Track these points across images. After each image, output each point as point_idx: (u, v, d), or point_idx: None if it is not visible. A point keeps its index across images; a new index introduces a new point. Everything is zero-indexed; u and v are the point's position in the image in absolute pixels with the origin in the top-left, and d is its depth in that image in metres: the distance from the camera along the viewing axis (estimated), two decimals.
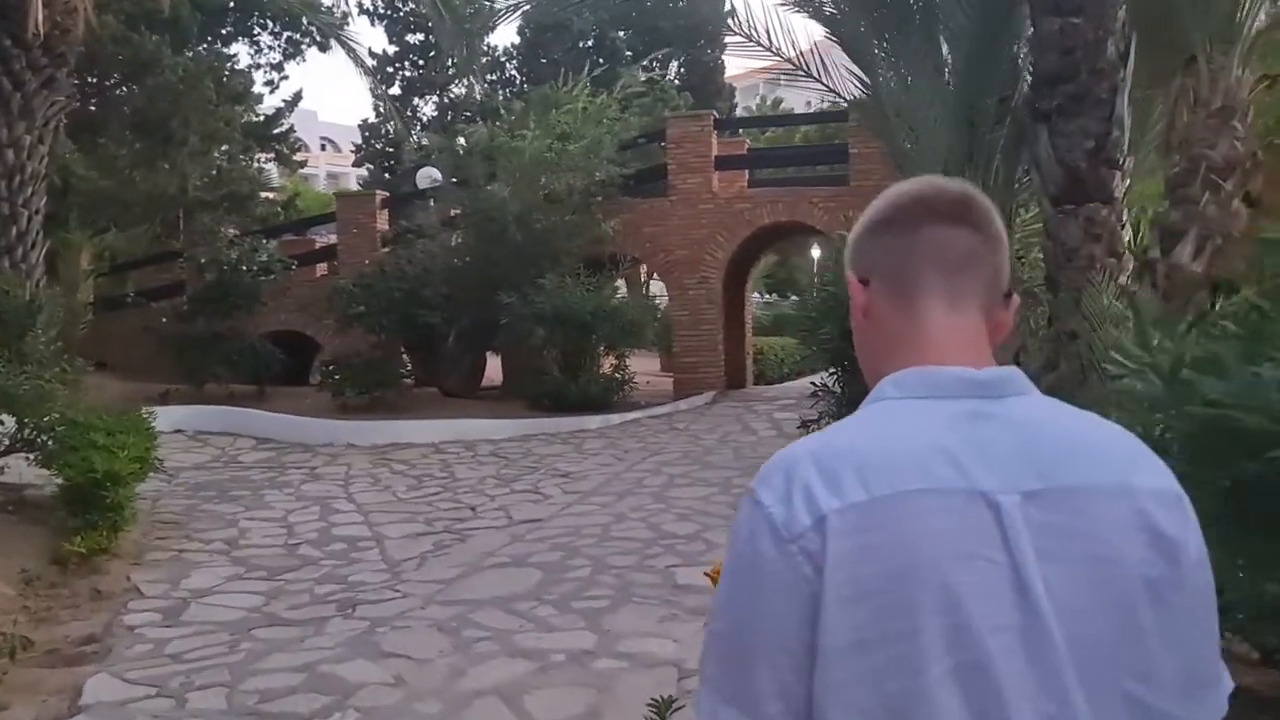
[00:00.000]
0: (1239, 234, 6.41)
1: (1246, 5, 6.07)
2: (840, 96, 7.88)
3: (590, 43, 33.77)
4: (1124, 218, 5.91)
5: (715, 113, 15.44)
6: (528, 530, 7.51)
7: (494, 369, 15.75)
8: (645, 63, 28.90)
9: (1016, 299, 1.06)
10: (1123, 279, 5.88)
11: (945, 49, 6.65)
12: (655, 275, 15.45)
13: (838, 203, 14.23)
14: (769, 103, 39.52)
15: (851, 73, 6.99)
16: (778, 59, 7.41)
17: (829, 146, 16.10)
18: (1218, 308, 5.75)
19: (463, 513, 8.26)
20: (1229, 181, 6.19)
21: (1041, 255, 6.23)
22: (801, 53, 7.73)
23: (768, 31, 7.29)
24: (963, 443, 0.91)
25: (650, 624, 5.23)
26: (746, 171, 16.21)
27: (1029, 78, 6.52)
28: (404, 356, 15.05)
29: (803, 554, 0.88)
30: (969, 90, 6.10)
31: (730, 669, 0.92)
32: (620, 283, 15.03)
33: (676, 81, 33.96)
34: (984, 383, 0.97)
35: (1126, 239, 6.00)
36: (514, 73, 34.06)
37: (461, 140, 13.64)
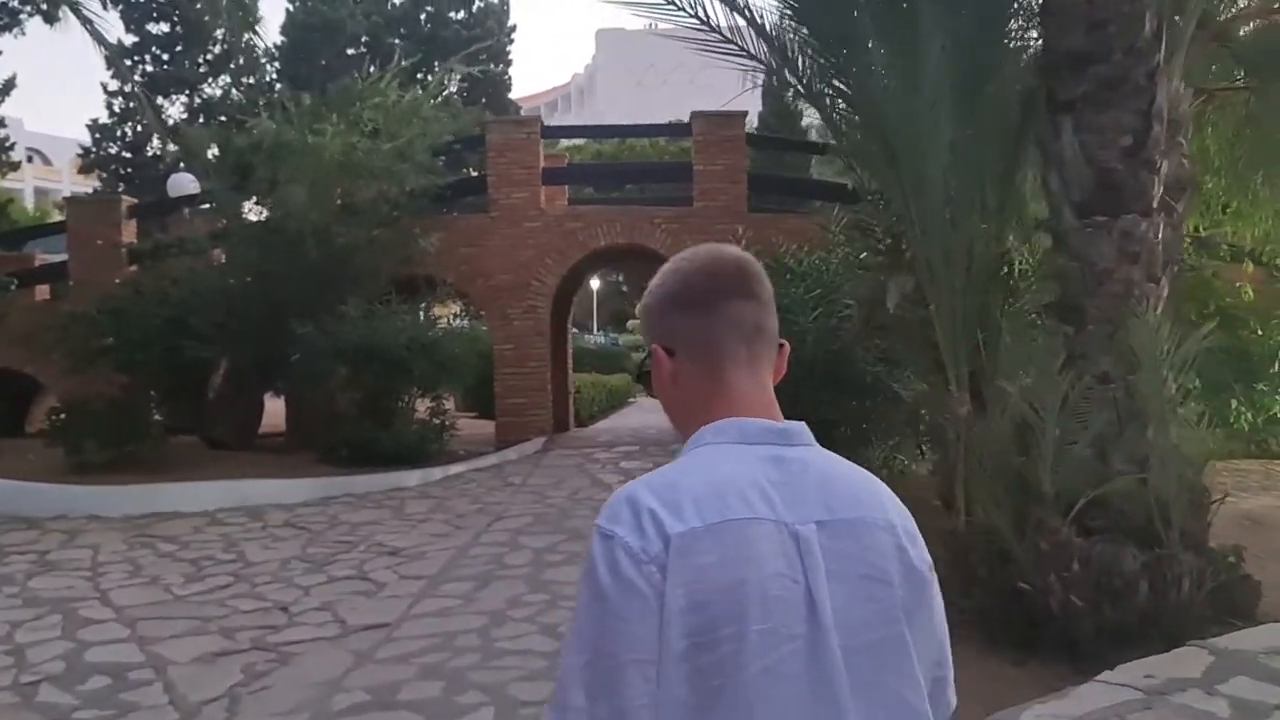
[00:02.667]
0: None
1: (1184, 11, 5.36)
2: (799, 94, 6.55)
3: (364, 48, 31.46)
4: (1159, 234, 4.97)
5: (542, 119, 13.96)
6: (374, 643, 5.69)
7: (273, 414, 13.44)
8: (420, 75, 26.98)
9: (786, 346, 1.30)
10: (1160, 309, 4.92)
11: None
12: (472, 302, 13.71)
13: (682, 225, 13.14)
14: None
15: (821, 71, 5.71)
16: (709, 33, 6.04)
17: (672, 164, 15.01)
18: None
19: (273, 616, 6.29)
20: (1179, 202, 5.42)
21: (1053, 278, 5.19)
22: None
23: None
24: (770, 480, 1.15)
25: None
26: (566, 187, 14.85)
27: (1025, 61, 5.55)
28: (153, 401, 12.53)
29: (660, 572, 1.07)
30: (973, 76, 4.99)
31: (598, 694, 1.06)
32: (437, 311, 13.15)
33: (458, 99, 32.25)
34: (783, 431, 1.21)
35: None
36: (273, 76, 31.18)
37: (243, 137, 11.44)
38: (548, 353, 13.43)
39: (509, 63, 34.39)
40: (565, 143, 22.17)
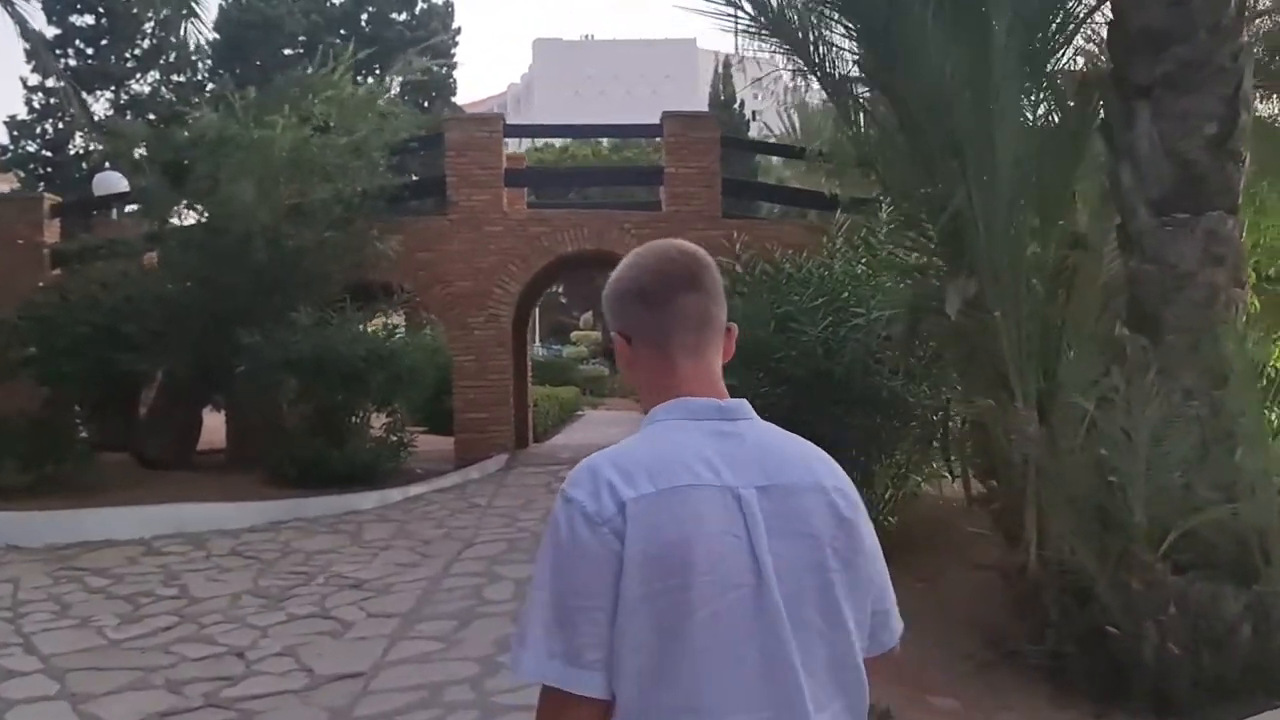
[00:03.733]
0: None
1: None
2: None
3: (301, 48, 30.39)
4: (1244, 234, 4.52)
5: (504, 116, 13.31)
6: (350, 696, 5.00)
7: (212, 429, 12.55)
8: (361, 76, 26.08)
9: (734, 329, 1.49)
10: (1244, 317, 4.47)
11: None
12: (430, 311, 12.98)
13: (653, 230, 12.54)
14: None
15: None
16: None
17: (641, 167, 14.43)
18: None
19: (227, 664, 5.55)
20: None
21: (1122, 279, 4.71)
22: None
23: None
24: (715, 451, 1.33)
25: None
26: (526, 190, 14.22)
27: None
28: (78, 417, 11.60)
29: (611, 533, 1.25)
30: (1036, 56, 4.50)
31: (554, 630, 1.26)
32: (395, 319, 12.39)
33: (403, 101, 31.32)
34: (725, 409, 1.40)
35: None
36: (204, 75, 29.94)
37: (183, 131, 10.62)
38: (510, 364, 12.75)
39: (454, 65, 33.59)
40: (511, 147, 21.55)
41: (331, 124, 10.76)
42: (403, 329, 11.33)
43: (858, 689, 1.35)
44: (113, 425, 11.80)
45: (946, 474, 7.16)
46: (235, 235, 10.07)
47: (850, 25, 5.33)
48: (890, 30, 4.69)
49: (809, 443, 1.43)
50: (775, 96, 15.41)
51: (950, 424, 6.48)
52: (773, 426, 1.43)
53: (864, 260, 7.87)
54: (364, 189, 11.21)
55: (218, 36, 29.89)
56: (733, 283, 8.19)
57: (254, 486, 10.29)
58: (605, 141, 34.04)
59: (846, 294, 7.13)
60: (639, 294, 1.44)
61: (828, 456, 1.43)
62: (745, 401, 1.42)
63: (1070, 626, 4.26)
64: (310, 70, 12.09)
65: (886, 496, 7.39)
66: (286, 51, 30.92)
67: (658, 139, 14.39)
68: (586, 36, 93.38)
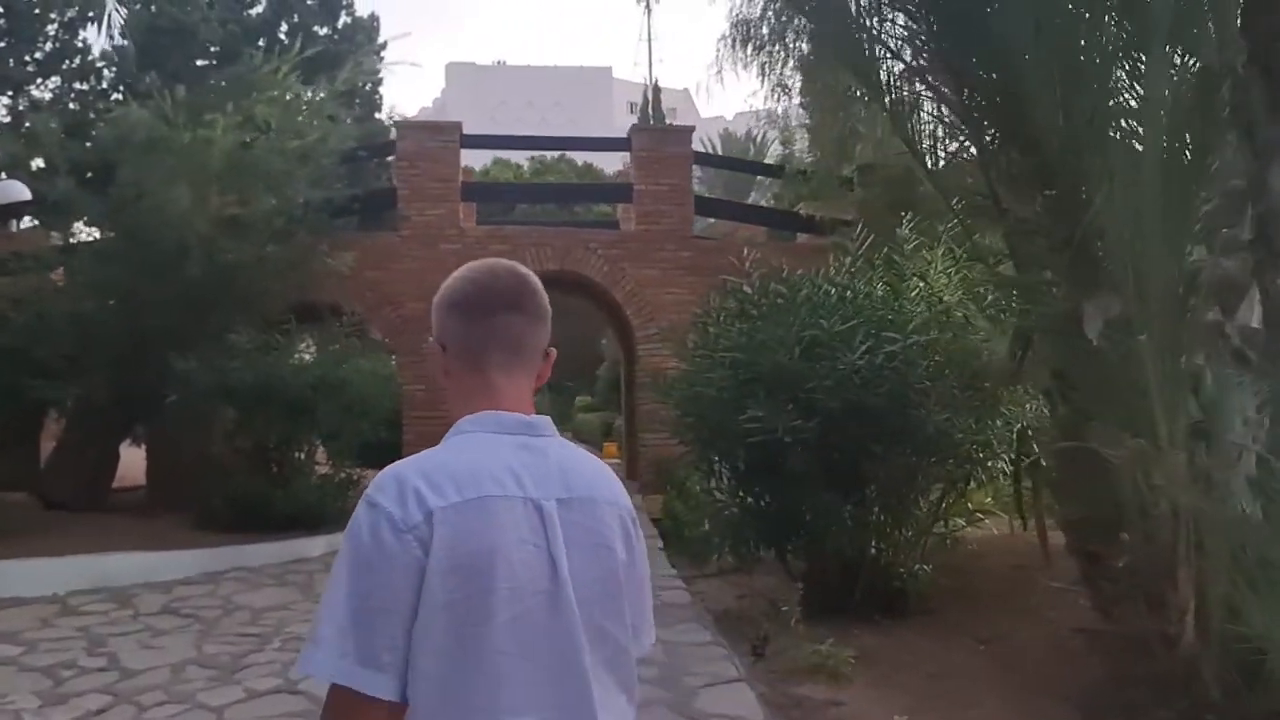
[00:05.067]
0: None
1: None
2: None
3: (215, 60, 28.95)
4: None
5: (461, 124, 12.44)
6: None
7: (128, 465, 11.35)
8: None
9: (553, 352, 1.55)
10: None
11: None
12: (380, 335, 12.02)
13: (622, 250, 11.88)
14: None
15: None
16: None
17: (609, 184, 13.66)
18: None
19: None
20: None
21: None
22: None
23: None
24: (520, 464, 1.40)
25: None
26: (474, 205, 13.38)
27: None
28: None
29: (416, 540, 1.30)
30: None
31: (348, 630, 1.28)
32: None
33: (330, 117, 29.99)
34: (532, 424, 1.46)
35: None
36: (106, 85, 28.28)
37: (108, 131, 9.56)
38: None
39: (379, 81, 32.52)
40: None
41: (274, 127, 9.81)
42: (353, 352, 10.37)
43: (634, 685, 1.46)
44: (11, 461, 10.57)
45: (985, 516, 6.55)
46: (165, 247, 9.04)
47: (920, 9, 4.72)
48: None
49: (599, 461, 1.54)
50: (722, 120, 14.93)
51: (1020, 461, 5.84)
52: (570, 444, 1.52)
53: (885, 280, 7.29)
54: (307, 200, 10.27)
55: (126, 43, 28.44)
56: (741, 305, 7.53)
57: (184, 531, 9.21)
58: (525, 165, 33.46)
59: (891, 316, 6.51)
60: (462, 307, 1.50)
61: (614, 475, 1.53)
62: (549, 419, 1.50)
63: (1236, 711, 3.63)
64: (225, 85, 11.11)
65: (921, 542, 6.78)
66: (200, 62, 29.53)
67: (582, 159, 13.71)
68: (498, 62, 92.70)
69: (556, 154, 36.52)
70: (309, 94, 10.37)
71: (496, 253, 11.50)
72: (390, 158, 14.69)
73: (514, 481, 1.36)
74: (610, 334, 16.04)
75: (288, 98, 9.88)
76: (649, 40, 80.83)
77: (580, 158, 34.88)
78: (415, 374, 11.44)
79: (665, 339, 9.77)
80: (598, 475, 1.48)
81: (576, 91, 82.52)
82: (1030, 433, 6.04)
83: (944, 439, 6.20)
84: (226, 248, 9.35)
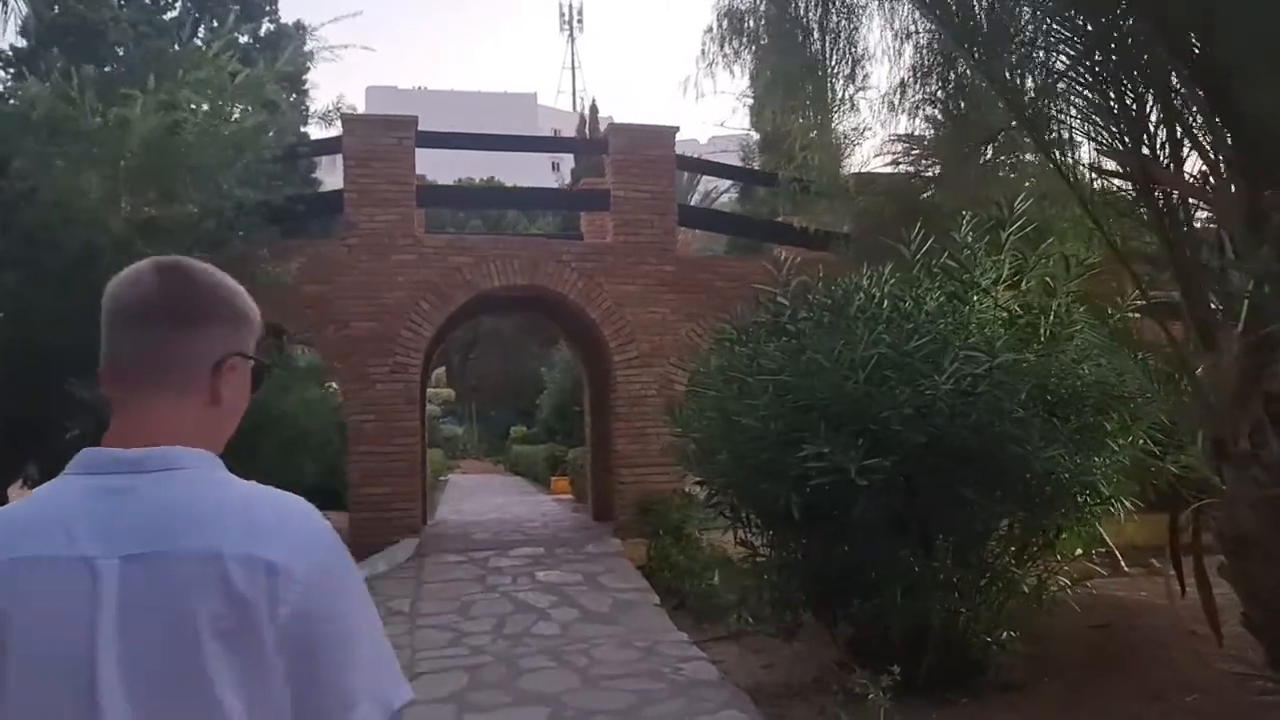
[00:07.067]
0: None
1: None
2: None
3: (122, 65, 27.17)
4: None
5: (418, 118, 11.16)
6: None
7: None
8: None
9: (239, 363, 1.27)
10: None
11: None
12: (323, 358, 10.66)
13: (598, 263, 10.75)
14: None
15: None
16: None
17: (584, 191, 12.43)
18: None
19: None
20: None
21: None
22: None
23: None
24: (87, 513, 1.13)
25: None
26: (422, 211, 12.12)
27: None
28: None
29: None
30: None
31: None
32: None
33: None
34: (130, 460, 1.17)
35: None
36: (7, 85, 26.29)
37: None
38: (420, 426, 10.57)
39: (306, 90, 31.03)
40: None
41: (204, 109, 8.48)
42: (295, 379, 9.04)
43: None
44: None
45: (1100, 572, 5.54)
46: (70, 250, 7.64)
47: None
48: None
49: (264, 501, 1.20)
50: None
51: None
52: (214, 479, 1.21)
53: (949, 291, 6.28)
54: (241, 202, 8.92)
55: (27, 43, 26.56)
56: (775, 318, 6.47)
57: None
58: (450, 184, 32.38)
59: (966, 333, 5.48)
60: (106, 318, 1.26)
61: (264, 522, 1.16)
62: (174, 449, 1.19)
63: None
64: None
65: (1006, 602, 5.73)
66: (107, 69, 27.69)
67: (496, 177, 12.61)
68: (419, 87, 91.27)
69: (485, 176, 35.40)
70: (246, 73, 9.02)
71: (457, 264, 10.27)
72: (322, 158, 13.43)
73: (64, 536, 1.12)
74: (575, 356, 14.81)
75: (220, 79, 8.54)
76: (573, 69, 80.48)
77: (510, 179, 33.81)
78: (362, 403, 10.12)
79: (667, 361, 8.62)
80: (209, 521, 1.13)
81: (501, 117, 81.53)
82: (1180, 473, 5.05)
83: (1051, 481, 5.18)
84: (145, 252, 7.95)
